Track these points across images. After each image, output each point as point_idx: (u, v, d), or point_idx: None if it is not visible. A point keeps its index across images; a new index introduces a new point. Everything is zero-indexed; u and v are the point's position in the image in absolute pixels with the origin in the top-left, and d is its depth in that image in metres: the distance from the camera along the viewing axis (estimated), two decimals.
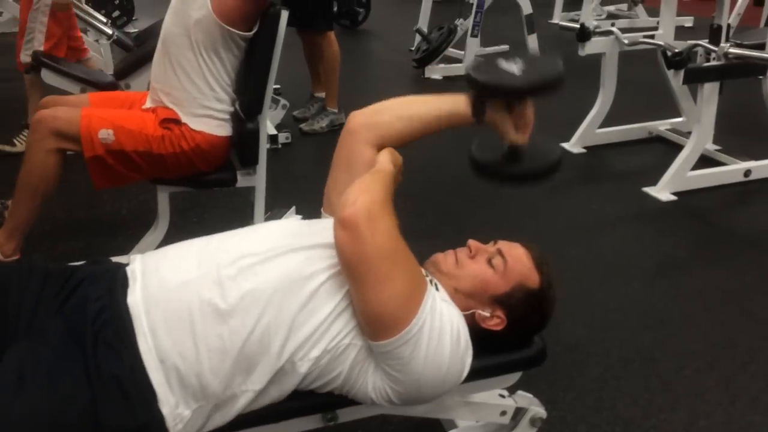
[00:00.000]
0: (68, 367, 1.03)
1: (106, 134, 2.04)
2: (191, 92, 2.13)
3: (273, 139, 3.58)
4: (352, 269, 1.06)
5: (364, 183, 1.13)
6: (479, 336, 1.24)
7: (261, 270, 1.12)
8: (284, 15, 2.16)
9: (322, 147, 3.71)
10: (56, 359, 1.03)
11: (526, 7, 5.12)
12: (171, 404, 1.05)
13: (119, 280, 1.14)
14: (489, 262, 1.25)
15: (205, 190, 2.50)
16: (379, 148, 1.30)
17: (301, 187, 3.07)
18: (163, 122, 2.12)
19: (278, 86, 4.06)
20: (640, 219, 2.98)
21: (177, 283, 1.11)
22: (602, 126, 3.72)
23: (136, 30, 5.08)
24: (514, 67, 1.26)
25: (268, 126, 3.65)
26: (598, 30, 3.53)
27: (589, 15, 3.78)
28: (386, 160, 1.25)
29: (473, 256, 1.27)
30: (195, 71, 2.10)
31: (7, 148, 3.31)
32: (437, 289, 1.21)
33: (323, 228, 1.23)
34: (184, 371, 1.05)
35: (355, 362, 1.12)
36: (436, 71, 5.04)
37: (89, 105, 2.22)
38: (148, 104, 2.23)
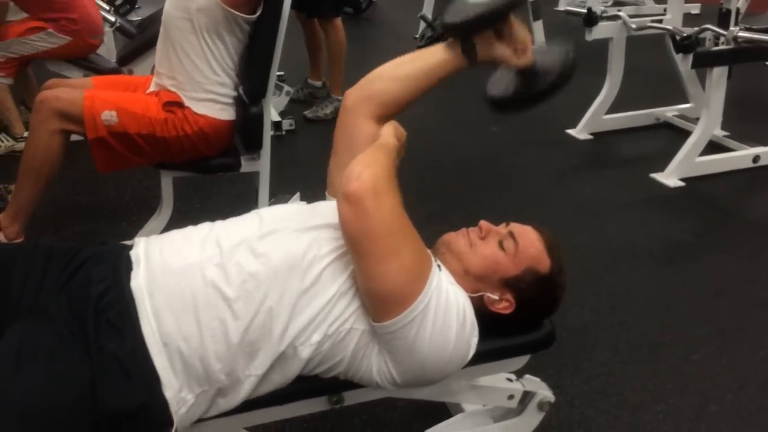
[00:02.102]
0: (69, 346, 1.01)
1: (109, 116, 2.02)
2: (194, 76, 2.10)
3: (277, 125, 3.56)
4: (356, 245, 1.04)
5: (369, 156, 1.10)
6: (487, 319, 1.21)
7: (264, 253, 1.10)
8: None
9: (327, 133, 3.62)
10: (57, 339, 1.01)
11: None
12: (174, 388, 1.03)
13: (123, 263, 1.13)
14: (500, 244, 1.22)
15: (209, 175, 2.48)
16: (379, 119, 1.27)
17: (306, 174, 3.04)
18: (166, 105, 2.10)
19: (282, 73, 4.03)
20: (648, 205, 2.95)
21: (181, 266, 1.10)
22: (609, 112, 3.68)
23: (139, 18, 5.04)
24: None
25: (272, 113, 3.63)
26: (605, 15, 3.48)
27: (597, 2, 3.74)
28: (389, 133, 1.22)
29: (484, 236, 1.24)
30: (198, 55, 2.08)
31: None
32: (440, 269, 1.18)
33: (329, 209, 1.21)
34: (187, 355, 1.04)
35: (357, 347, 1.11)
36: None
37: (93, 87, 2.20)
38: (152, 88, 2.21)
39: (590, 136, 3.65)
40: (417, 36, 5.31)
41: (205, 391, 1.06)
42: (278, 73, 3.99)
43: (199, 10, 2.02)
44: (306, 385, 1.20)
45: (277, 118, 3.60)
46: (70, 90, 2.08)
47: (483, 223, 1.26)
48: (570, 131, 3.69)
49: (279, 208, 1.26)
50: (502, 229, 1.26)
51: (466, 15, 1.24)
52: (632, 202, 2.97)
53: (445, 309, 1.08)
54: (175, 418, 1.03)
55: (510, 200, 2.95)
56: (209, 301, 1.06)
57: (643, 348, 2.01)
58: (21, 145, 3.07)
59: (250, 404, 1.16)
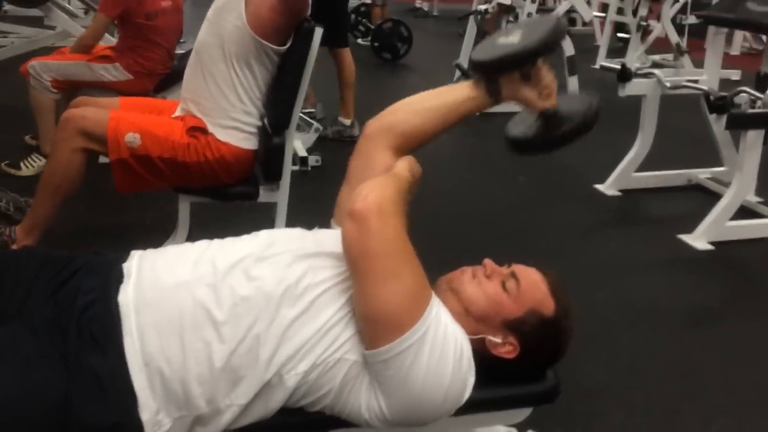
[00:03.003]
0: (47, 356, 0.99)
1: (132, 138, 2.04)
2: (221, 103, 2.13)
3: (303, 161, 3.59)
4: (357, 264, 1.02)
5: (378, 181, 1.10)
6: (487, 364, 1.16)
7: (257, 277, 1.08)
8: (318, 32, 2.15)
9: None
10: (36, 347, 0.99)
11: (569, 49, 5.08)
12: (151, 410, 0.99)
13: (114, 275, 1.11)
14: (503, 284, 1.18)
15: (228, 203, 2.48)
16: (398, 150, 1.26)
17: (327, 210, 2.98)
18: (190, 130, 2.12)
19: (313, 110, 4.08)
20: (674, 266, 2.86)
21: (171, 284, 1.07)
22: (639, 170, 3.62)
23: (182, 51, 5.18)
24: (513, 39, 1.23)
25: (300, 148, 3.66)
26: (639, 71, 3.46)
27: (634, 60, 3.72)
28: (403, 167, 1.21)
29: (488, 275, 1.20)
30: (226, 82, 2.10)
31: (12, 170, 3.14)
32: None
33: (329, 237, 1.18)
34: (168, 376, 1.00)
35: (346, 379, 1.06)
36: None
37: (119, 108, 2.23)
38: (177, 113, 2.23)
39: (618, 193, 3.58)
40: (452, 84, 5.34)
41: (183, 417, 1.01)
42: (309, 110, 4.08)
43: (231, 38, 2.05)
44: (291, 419, 1.15)
45: (304, 154, 3.62)
46: (97, 110, 2.11)
47: (488, 261, 1.22)
48: (598, 186, 3.63)
49: (279, 232, 1.24)
50: (505, 269, 1.21)
51: (494, 54, 1.25)
52: (658, 262, 2.88)
53: (443, 341, 1.03)
54: None
55: (530, 252, 2.83)
56: (196, 322, 1.03)
57: (658, 414, 1.91)
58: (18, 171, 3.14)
59: None
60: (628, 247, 2.99)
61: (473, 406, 1.18)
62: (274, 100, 2.20)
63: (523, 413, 1.33)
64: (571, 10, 7.98)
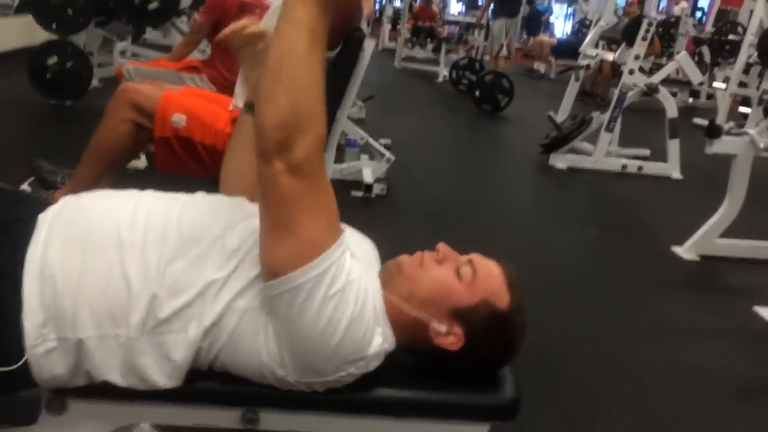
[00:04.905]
0: None
1: (178, 118, 2.09)
2: None
3: (368, 188, 3.59)
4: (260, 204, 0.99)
5: (269, 82, 0.96)
6: (431, 359, 1.08)
7: (177, 217, 1.05)
8: (369, 43, 2.16)
9: (416, 205, 3.67)
10: None
11: (671, 111, 4.83)
12: (36, 321, 0.96)
13: (50, 204, 1.11)
14: (456, 271, 1.09)
15: None
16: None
17: (383, 238, 2.99)
18: (233, 121, 2.16)
19: (389, 141, 4.11)
20: (742, 337, 2.55)
21: (93, 206, 1.07)
22: (724, 236, 3.31)
23: None
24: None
25: (367, 175, 3.67)
26: (733, 131, 3.20)
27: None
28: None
29: (440, 260, 1.12)
30: None
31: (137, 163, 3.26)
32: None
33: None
34: (60, 289, 0.97)
35: (238, 329, 1.00)
36: (561, 160, 4.84)
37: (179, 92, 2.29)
38: (231, 107, 2.29)
39: (697, 258, 3.28)
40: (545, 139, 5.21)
41: (67, 339, 0.98)
42: (385, 141, 4.10)
43: None
44: (219, 387, 1.09)
45: (370, 181, 3.62)
46: (152, 87, 2.17)
47: (441, 245, 1.13)
48: (675, 249, 3.34)
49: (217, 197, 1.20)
50: (463, 257, 1.12)
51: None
52: (722, 330, 2.59)
53: (342, 286, 0.96)
54: (28, 355, 0.95)
55: (586, 302, 2.68)
56: (104, 243, 1.00)
57: None
58: (137, 163, 3.32)
59: (150, 395, 1.06)
60: (692, 312, 2.72)
61: (410, 408, 1.10)
62: None
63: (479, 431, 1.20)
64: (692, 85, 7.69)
